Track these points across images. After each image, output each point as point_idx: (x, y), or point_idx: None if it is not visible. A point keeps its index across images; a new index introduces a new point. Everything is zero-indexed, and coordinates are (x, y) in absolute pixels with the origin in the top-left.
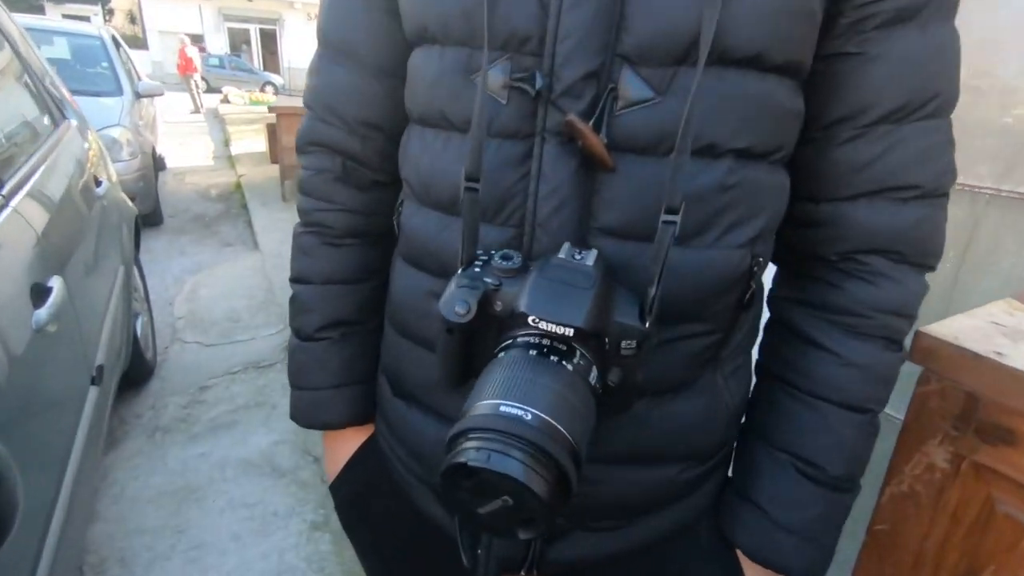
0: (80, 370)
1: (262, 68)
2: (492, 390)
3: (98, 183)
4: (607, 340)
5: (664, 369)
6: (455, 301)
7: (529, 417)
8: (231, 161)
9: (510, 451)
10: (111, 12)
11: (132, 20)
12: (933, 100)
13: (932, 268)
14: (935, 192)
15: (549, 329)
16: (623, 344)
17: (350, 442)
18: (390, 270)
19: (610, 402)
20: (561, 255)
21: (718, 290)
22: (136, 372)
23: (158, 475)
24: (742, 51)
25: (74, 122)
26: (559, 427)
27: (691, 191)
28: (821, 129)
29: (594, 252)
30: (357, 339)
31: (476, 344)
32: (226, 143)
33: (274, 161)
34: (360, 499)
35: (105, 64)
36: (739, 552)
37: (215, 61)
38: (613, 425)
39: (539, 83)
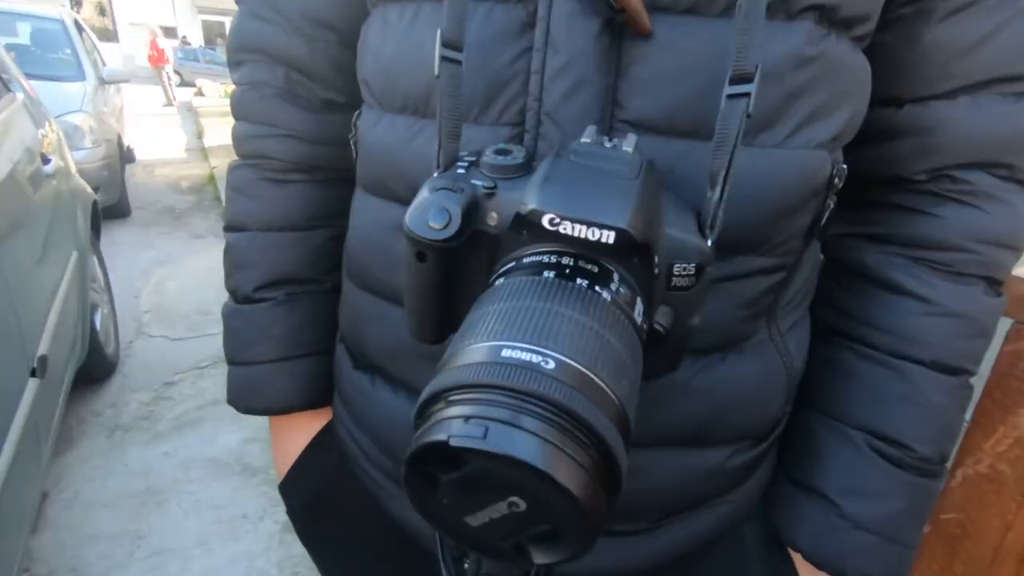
0: (16, 360)
1: None
2: (487, 328)
3: (46, 160)
4: (656, 260)
5: (712, 320)
6: (429, 210)
7: (550, 365)
8: (204, 153)
9: (520, 420)
10: (79, 3)
11: (102, 12)
12: None
13: None
14: None
15: (576, 235)
16: (676, 268)
17: (302, 431)
18: (350, 212)
19: (654, 357)
20: (585, 139)
21: (789, 207)
22: (95, 368)
23: (117, 477)
24: None
25: (20, 95)
26: (597, 380)
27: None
28: (912, 2)
29: (633, 137)
30: (307, 301)
31: (459, 280)
32: (199, 135)
33: None
34: (317, 503)
35: (67, 50)
36: (797, 557)
37: (188, 54)
38: (646, 394)
39: None
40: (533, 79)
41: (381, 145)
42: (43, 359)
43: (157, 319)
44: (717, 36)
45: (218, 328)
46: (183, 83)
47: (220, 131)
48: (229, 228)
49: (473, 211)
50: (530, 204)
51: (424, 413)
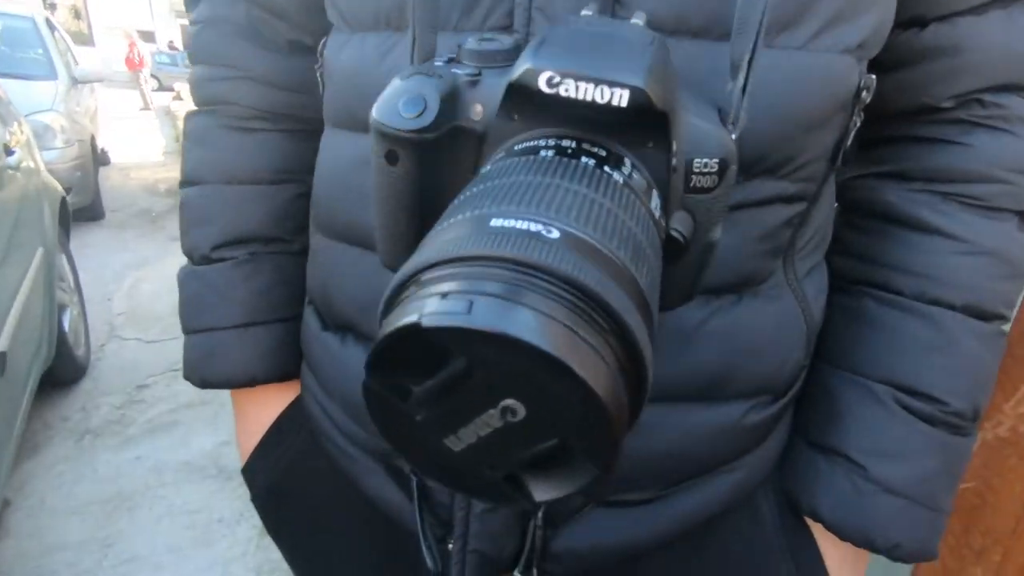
0: None
1: None
2: (470, 205)
3: (9, 152)
4: (674, 148)
5: (726, 254)
6: (400, 97)
7: (554, 234)
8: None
9: (517, 294)
10: (53, 6)
11: (77, 15)
12: None
13: None
14: None
15: (580, 97)
16: (696, 164)
17: (267, 407)
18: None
19: (668, 276)
20: (587, 11)
21: (813, 120)
22: (64, 371)
23: (85, 483)
24: None
25: None
26: (613, 257)
27: None
28: None
29: (642, 13)
30: (272, 262)
31: (438, 190)
32: (177, 139)
33: None
34: (283, 487)
35: (39, 49)
36: (817, 528)
37: (166, 59)
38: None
39: None
40: None
41: (350, 68)
42: (1, 356)
43: (131, 321)
44: None
45: None
46: (161, 87)
47: None
48: (185, 183)
49: (453, 100)
50: (526, 64)
51: (389, 307)
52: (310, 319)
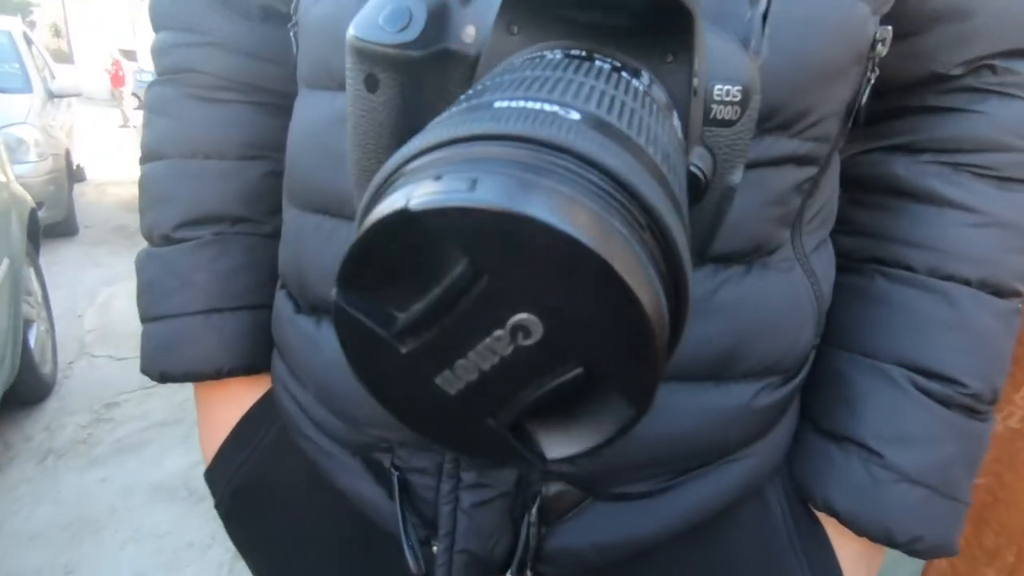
0: None
1: None
2: (468, 99)
3: None
4: (696, 64)
5: (736, 217)
6: (382, 10)
7: (574, 115)
8: None
9: (534, 172)
10: (32, 24)
11: (57, 33)
12: None
13: None
14: None
15: None
16: (717, 91)
17: (234, 403)
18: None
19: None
20: None
21: (829, 70)
22: (28, 389)
23: (47, 505)
24: None
25: None
26: (644, 147)
27: None
28: None
29: None
30: (240, 243)
31: (423, 125)
32: None
33: None
34: (251, 489)
35: (15, 63)
36: (829, 522)
37: (149, 77)
38: None
39: None
40: None
41: (327, 17)
42: None
43: (102, 339)
44: None
45: None
46: (142, 106)
47: None
48: (146, 158)
49: (442, 18)
50: None
51: (368, 210)
52: (282, 303)
